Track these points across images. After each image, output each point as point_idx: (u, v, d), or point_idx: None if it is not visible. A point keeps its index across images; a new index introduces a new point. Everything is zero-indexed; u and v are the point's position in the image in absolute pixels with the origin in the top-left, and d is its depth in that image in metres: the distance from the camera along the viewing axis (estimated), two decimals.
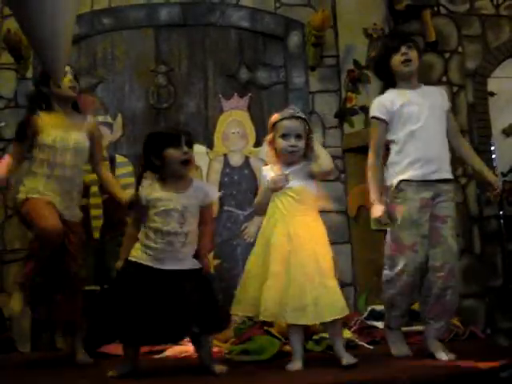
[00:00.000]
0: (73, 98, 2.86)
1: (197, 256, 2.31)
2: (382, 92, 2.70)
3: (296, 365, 2.29)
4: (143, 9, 3.85)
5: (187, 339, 2.61)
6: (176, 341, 2.62)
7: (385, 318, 2.63)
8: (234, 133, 3.78)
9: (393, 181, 2.50)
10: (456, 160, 2.76)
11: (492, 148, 3.92)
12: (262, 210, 2.46)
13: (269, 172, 2.44)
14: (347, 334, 2.84)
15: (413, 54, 2.55)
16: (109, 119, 3.72)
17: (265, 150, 2.58)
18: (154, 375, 2.36)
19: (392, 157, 2.55)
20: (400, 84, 2.59)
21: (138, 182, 2.35)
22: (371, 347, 2.83)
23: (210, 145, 3.75)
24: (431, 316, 2.46)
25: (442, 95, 2.62)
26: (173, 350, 2.86)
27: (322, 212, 2.48)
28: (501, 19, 4.13)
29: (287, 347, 2.68)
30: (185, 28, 3.86)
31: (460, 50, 4.05)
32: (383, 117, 2.54)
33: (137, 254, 2.28)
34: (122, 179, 3.63)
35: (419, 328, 2.76)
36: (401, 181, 2.47)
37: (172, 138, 2.32)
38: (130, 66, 3.80)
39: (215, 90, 3.82)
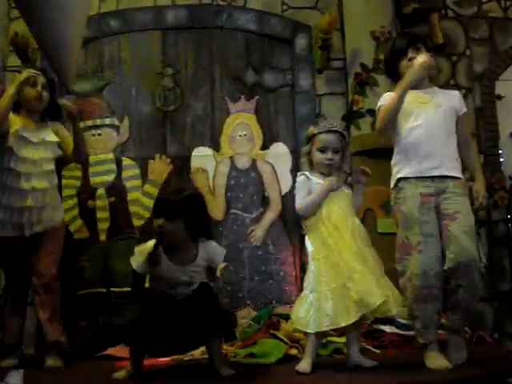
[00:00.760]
0: (37, 109, 2.80)
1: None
2: None
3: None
4: (150, 11, 3.87)
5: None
6: (184, 352, 2.63)
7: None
8: (240, 135, 3.77)
9: (394, 181, 2.49)
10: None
11: (500, 151, 3.91)
12: (314, 212, 2.42)
13: (314, 177, 2.44)
14: None
15: None
16: (116, 122, 3.73)
17: (301, 160, 2.61)
18: (160, 377, 2.35)
19: (393, 157, 2.53)
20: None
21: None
22: (378, 351, 2.81)
23: (216, 147, 3.75)
24: (447, 307, 2.37)
25: (458, 99, 2.56)
26: None
27: None
28: (509, 22, 4.11)
29: (293, 351, 2.68)
30: (192, 31, 3.87)
31: (468, 53, 4.04)
32: None
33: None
34: (128, 181, 3.64)
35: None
36: (399, 179, 2.45)
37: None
38: (137, 68, 3.80)
39: (222, 92, 3.82)
